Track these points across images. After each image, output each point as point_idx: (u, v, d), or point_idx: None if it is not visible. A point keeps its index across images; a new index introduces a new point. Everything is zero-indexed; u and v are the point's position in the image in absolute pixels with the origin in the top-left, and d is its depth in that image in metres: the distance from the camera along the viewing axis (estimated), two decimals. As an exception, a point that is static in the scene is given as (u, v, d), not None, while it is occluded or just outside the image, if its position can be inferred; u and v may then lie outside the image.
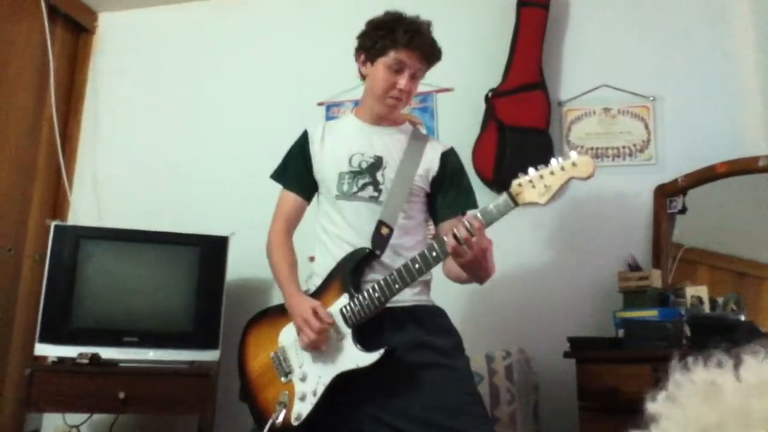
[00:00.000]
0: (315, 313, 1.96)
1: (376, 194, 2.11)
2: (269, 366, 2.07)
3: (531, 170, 1.88)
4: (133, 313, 3.00)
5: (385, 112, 2.18)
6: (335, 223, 2.13)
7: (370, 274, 2.05)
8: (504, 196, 1.89)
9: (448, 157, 2.23)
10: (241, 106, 3.60)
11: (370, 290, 1.97)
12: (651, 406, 0.66)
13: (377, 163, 2.14)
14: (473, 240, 1.83)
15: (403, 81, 2.12)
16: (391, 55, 2.11)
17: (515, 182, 1.88)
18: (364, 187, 2.11)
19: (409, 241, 2.11)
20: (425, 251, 1.94)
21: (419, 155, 2.17)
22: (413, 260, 1.94)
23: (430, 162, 2.18)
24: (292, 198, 2.24)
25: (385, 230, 2.06)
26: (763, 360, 0.64)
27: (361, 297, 1.98)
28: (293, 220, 2.24)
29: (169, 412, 2.90)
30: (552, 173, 1.86)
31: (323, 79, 3.43)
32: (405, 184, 2.12)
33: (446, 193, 2.17)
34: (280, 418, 1.95)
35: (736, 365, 0.65)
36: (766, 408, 0.59)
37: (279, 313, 2.13)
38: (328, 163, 2.17)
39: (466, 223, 1.85)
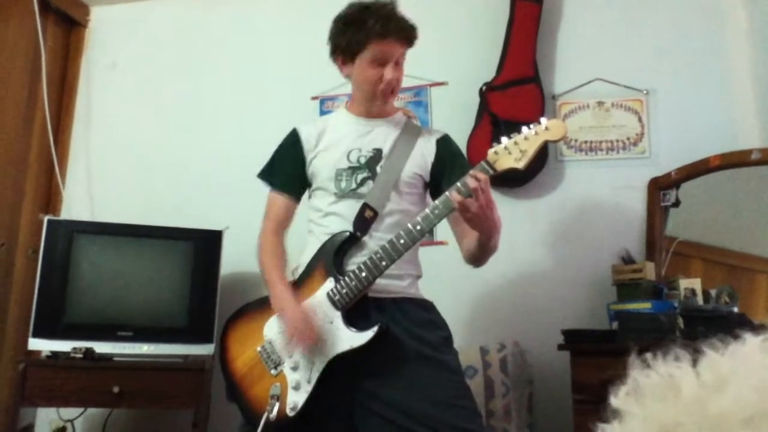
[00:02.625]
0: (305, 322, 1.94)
1: None
2: (257, 361, 2.03)
3: (504, 139, 1.91)
4: (127, 307, 2.99)
5: (380, 106, 2.15)
6: (329, 218, 2.09)
7: (353, 257, 2.02)
8: (481, 164, 1.91)
9: (444, 143, 2.20)
10: (234, 101, 3.59)
11: (356, 270, 1.95)
12: (614, 401, 0.66)
13: (377, 156, 2.11)
14: (480, 193, 1.83)
15: (389, 72, 2.06)
16: (369, 49, 2.05)
17: (491, 151, 1.91)
18: (363, 182, 2.08)
19: (395, 231, 2.02)
20: (409, 225, 1.93)
21: (411, 145, 2.14)
22: (398, 236, 1.93)
23: (425, 150, 2.15)
24: (281, 200, 2.19)
25: (369, 213, 2.03)
26: (722, 354, 0.64)
27: (347, 278, 1.96)
28: (283, 221, 2.19)
29: (164, 406, 2.90)
30: (526, 138, 1.90)
31: (317, 74, 3.40)
32: (393, 171, 2.09)
33: (450, 175, 2.08)
34: (274, 412, 1.91)
35: (695, 360, 0.65)
36: (721, 406, 0.59)
37: (261, 307, 2.09)
38: (325, 161, 2.13)
39: (471, 175, 1.87)
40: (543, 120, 1.92)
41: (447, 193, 1.90)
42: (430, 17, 3.36)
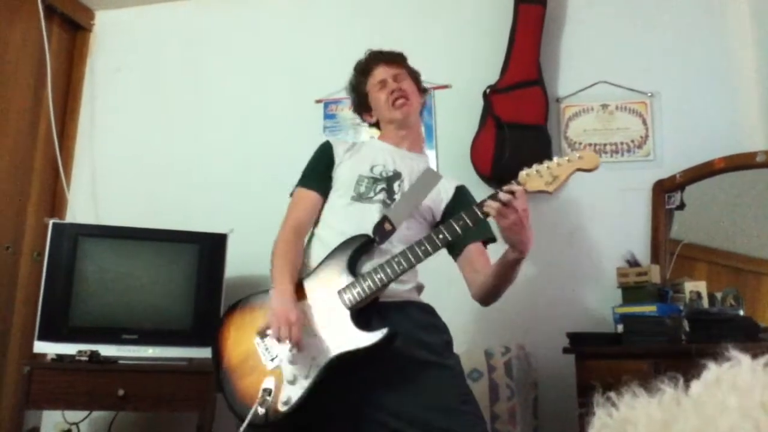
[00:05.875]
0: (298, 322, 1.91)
1: (389, 202, 2.12)
2: (253, 351, 1.99)
3: (535, 165, 1.93)
4: (132, 310, 2.99)
5: (400, 116, 2.24)
6: (341, 221, 2.11)
7: (366, 262, 2.03)
8: (512, 183, 1.92)
9: (463, 191, 2.28)
10: (238, 104, 3.60)
11: (372, 272, 1.95)
12: None
13: (395, 176, 2.18)
14: (516, 201, 1.84)
15: (389, 85, 2.26)
16: (370, 85, 2.30)
17: (522, 173, 1.92)
18: (380, 191, 2.14)
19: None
20: (431, 234, 1.96)
21: (433, 182, 2.20)
22: (419, 242, 1.95)
23: (443, 191, 2.22)
24: (310, 195, 2.20)
25: (388, 226, 2.06)
26: (674, 393, 0.69)
27: (361, 278, 1.96)
28: (307, 219, 2.18)
29: (169, 409, 2.89)
30: (558, 165, 1.92)
31: (321, 77, 3.43)
32: (414, 198, 2.15)
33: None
34: (265, 407, 1.85)
35: (651, 399, 0.70)
36: None
37: (264, 298, 2.07)
38: (349, 168, 2.20)
39: (507, 187, 1.88)
40: (575, 152, 1.99)
41: (475, 206, 1.92)
42: (433, 20, 3.37)
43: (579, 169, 1.92)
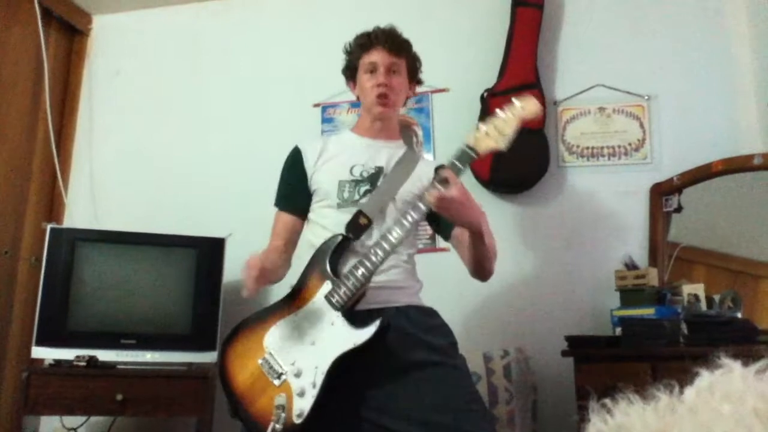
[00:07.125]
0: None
1: None
2: (259, 374, 1.99)
3: (480, 124, 1.96)
4: (130, 315, 2.99)
5: (378, 113, 2.21)
6: (330, 230, 2.09)
7: (348, 262, 2.02)
8: (463, 147, 1.95)
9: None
10: (236, 108, 3.60)
11: (352, 269, 1.95)
12: None
13: (378, 174, 2.16)
14: (451, 190, 1.87)
15: (378, 77, 2.19)
16: (361, 63, 2.24)
17: (469, 136, 1.95)
18: (365, 194, 2.12)
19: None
20: (400, 217, 1.97)
21: (411, 167, 2.19)
22: (389, 229, 1.96)
23: (423, 175, 2.19)
24: (285, 217, 2.22)
25: (363, 220, 2.05)
26: (669, 400, 0.69)
27: (344, 278, 1.96)
28: (290, 240, 2.21)
29: (168, 414, 2.89)
30: (503, 120, 1.95)
31: (319, 81, 3.43)
32: (392, 187, 2.13)
33: None
34: (281, 422, 1.86)
35: (646, 406, 0.71)
36: None
37: (259, 319, 2.07)
38: (328, 173, 2.17)
39: (438, 175, 1.91)
40: (515, 101, 1.98)
41: (418, 200, 1.94)
42: (431, 24, 3.37)
43: (524, 119, 1.96)
